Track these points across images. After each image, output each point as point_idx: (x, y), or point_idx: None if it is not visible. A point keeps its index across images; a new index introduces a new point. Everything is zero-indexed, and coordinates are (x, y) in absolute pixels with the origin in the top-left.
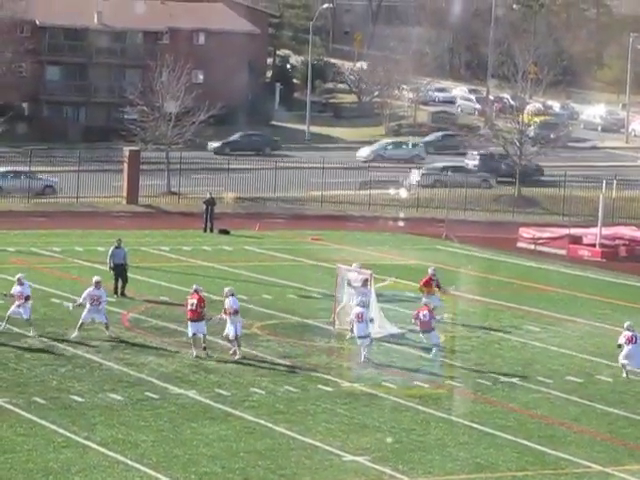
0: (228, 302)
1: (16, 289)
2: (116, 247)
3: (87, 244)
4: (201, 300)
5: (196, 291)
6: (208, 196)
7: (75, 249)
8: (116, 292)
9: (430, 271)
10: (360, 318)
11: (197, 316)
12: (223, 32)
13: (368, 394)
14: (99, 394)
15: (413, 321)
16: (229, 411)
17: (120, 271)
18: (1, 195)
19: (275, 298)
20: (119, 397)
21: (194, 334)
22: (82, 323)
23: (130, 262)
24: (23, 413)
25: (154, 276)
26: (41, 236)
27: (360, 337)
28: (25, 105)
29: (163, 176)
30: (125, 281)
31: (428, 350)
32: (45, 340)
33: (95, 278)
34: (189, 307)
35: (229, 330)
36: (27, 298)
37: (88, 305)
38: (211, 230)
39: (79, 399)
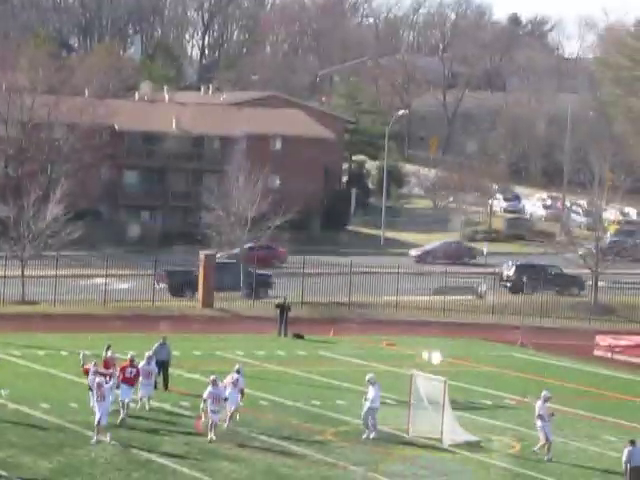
0: None
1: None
2: (161, 344)
3: None
4: None
5: None
6: (282, 300)
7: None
8: (155, 387)
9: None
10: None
11: None
12: (299, 138)
13: None
14: None
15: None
16: None
17: (163, 368)
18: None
19: (349, 404)
20: None
21: None
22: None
23: (206, 367)
24: None
25: None
26: (118, 339)
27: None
28: (103, 209)
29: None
30: (166, 377)
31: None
32: (117, 444)
33: (211, 377)
34: None
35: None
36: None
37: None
38: (285, 334)
39: None
